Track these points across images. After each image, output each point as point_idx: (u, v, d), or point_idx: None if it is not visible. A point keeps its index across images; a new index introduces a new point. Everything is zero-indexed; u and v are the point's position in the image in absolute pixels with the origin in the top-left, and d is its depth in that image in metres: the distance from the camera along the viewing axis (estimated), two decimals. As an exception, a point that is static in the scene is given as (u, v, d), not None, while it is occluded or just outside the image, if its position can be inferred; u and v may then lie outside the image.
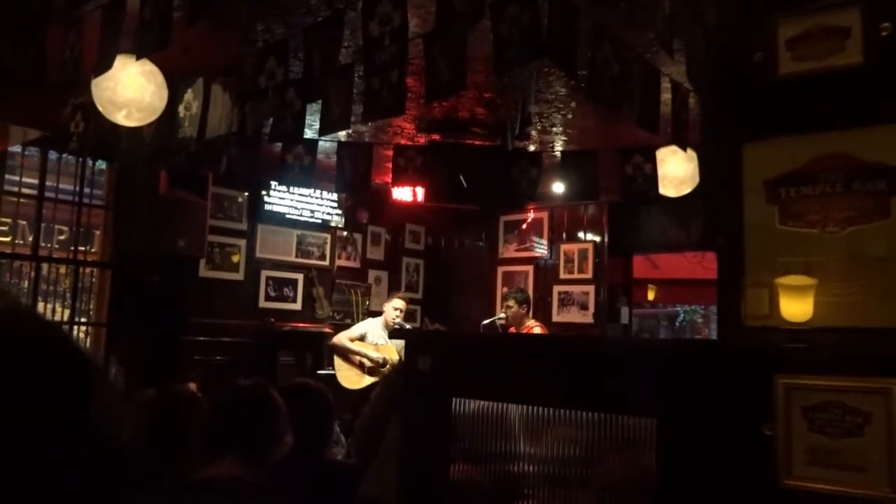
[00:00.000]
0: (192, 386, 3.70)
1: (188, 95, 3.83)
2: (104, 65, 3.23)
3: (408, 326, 6.21)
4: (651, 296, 10.45)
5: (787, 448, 1.24)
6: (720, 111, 1.44)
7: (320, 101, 3.58)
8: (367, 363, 6.06)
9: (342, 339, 6.17)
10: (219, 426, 2.16)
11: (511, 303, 6.15)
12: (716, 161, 1.46)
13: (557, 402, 1.78)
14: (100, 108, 3.62)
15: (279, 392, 2.75)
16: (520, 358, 1.82)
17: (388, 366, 5.92)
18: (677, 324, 14.99)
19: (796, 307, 1.28)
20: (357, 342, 6.16)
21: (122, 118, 3.62)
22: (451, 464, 1.97)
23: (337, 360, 6.17)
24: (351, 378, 6.08)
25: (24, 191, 5.57)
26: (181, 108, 3.84)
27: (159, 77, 3.64)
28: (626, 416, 1.65)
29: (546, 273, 7.64)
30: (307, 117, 3.81)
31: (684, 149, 4.10)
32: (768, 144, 1.32)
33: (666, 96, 3.67)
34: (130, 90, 3.55)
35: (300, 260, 7.10)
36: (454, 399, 1.94)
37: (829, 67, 1.26)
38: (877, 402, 1.16)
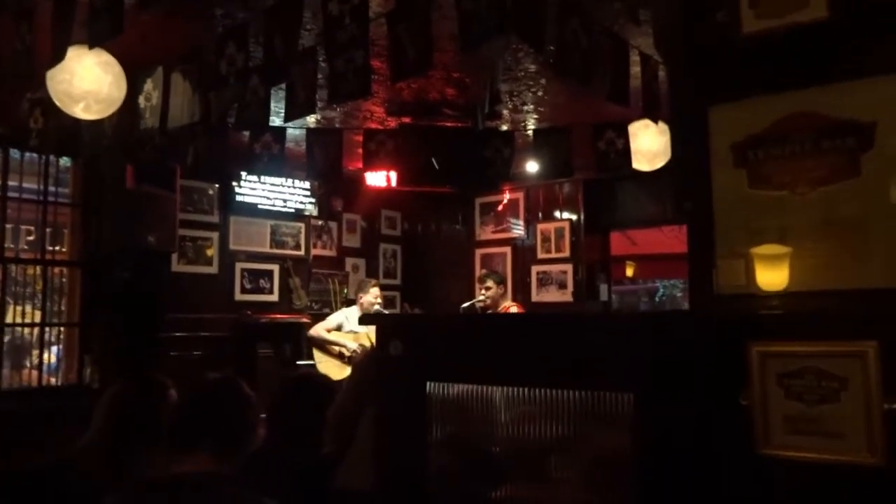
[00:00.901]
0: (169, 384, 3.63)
1: (148, 85, 3.73)
2: (57, 56, 3.13)
3: (386, 312, 6.16)
4: (630, 272, 10.48)
5: (764, 417, 1.21)
6: (684, 74, 1.40)
7: (285, 87, 3.50)
8: (346, 353, 6.02)
9: (319, 330, 6.12)
10: (188, 420, 2.11)
11: (490, 283, 6.13)
12: (682, 126, 1.42)
13: (533, 381, 1.75)
14: (56, 102, 3.51)
15: (282, 384, 2.72)
16: (492, 338, 1.78)
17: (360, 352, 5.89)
18: (657, 299, 15.08)
19: (772, 276, 1.25)
20: (334, 332, 6.11)
21: (80, 111, 3.52)
22: (427, 449, 1.93)
23: (316, 353, 6.12)
24: (331, 369, 6.03)
25: (-13, 192, 5.43)
26: (141, 99, 3.74)
27: (117, 67, 3.54)
28: (605, 392, 1.62)
29: (524, 253, 7.62)
30: (273, 104, 3.73)
31: (656, 122, 4.07)
32: (734, 106, 1.28)
33: (636, 69, 3.64)
34: (87, 82, 3.44)
35: (275, 251, 7.02)
36: (428, 383, 1.90)
37: (794, 23, 1.22)
38: (853, 366, 1.13)
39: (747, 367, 1.22)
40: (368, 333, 5.94)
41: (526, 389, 1.76)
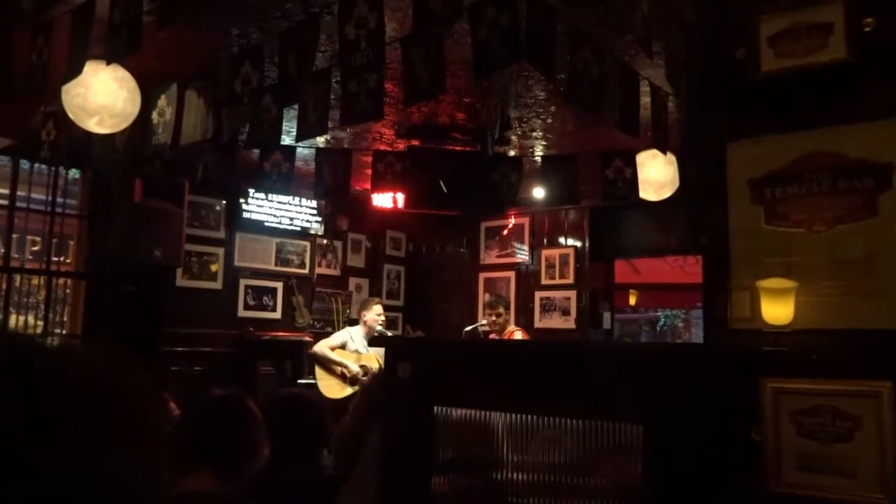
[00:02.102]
0: (168, 397, 3.62)
1: (162, 101, 3.76)
2: (74, 70, 3.16)
3: (388, 333, 6.15)
4: (632, 300, 10.47)
5: (776, 453, 1.21)
6: (702, 110, 1.41)
7: (297, 107, 3.53)
8: (348, 374, 5.99)
9: (323, 348, 6.08)
10: (191, 438, 2.09)
11: (501, 310, 6.10)
12: (699, 161, 1.43)
13: (541, 409, 1.74)
14: (70, 115, 3.54)
15: (268, 403, 2.70)
16: (502, 364, 1.78)
17: (368, 376, 5.86)
18: (658, 328, 15.03)
19: (777, 310, 1.25)
20: (338, 350, 6.08)
21: (94, 125, 3.54)
22: (432, 473, 1.92)
23: (318, 370, 6.09)
24: (332, 388, 6.00)
25: (-4, 201, 5.46)
26: (155, 115, 3.77)
27: (132, 83, 3.57)
28: (612, 422, 1.61)
29: (528, 279, 7.62)
30: (285, 123, 3.75)
31: (664, 152, 4.09)
32: (752, 143, 1.29)
33: (645, 100, 3.66)
34: (102, 96, 3.47)
35: (279, 268, 7.02)
36: (435, 407, 1.90)
37: (813, 64, 1.23)
38: (867, 405, 1.13)
39: (760, 402, 1.22)
40: (374, 355, 5.92)
41: (534, 417, 1.76)
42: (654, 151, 4.41)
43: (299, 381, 6.41)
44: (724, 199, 1.31)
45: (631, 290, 10.22)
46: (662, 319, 14.98)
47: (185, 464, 2.02)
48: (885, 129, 1.18)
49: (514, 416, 1.79)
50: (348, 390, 5.93)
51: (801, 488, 1.19)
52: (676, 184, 4.59)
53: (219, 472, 2.02)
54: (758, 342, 1.30)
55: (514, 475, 1.83)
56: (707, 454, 1.36)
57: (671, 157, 4.37)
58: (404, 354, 1.92)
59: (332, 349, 6.07)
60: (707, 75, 1.40)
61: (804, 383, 1.19)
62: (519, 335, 6.06)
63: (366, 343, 6.07)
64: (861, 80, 1.23)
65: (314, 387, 6.12)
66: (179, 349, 6.09)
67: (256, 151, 4.69)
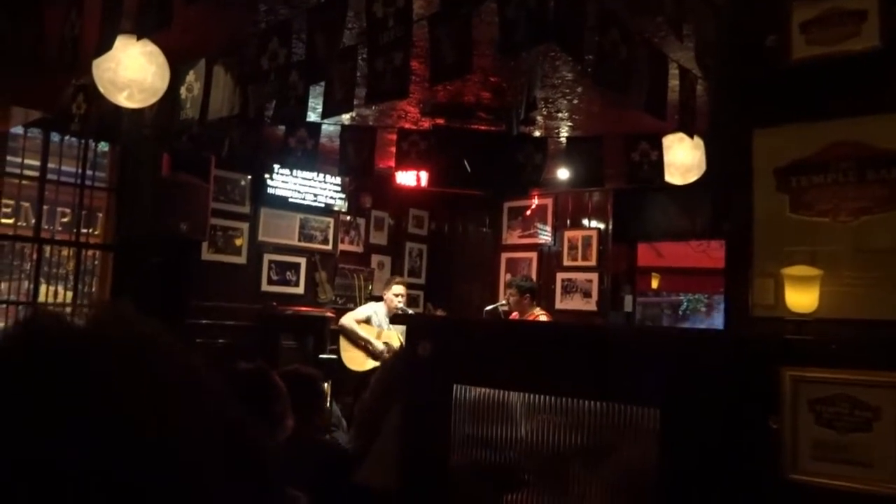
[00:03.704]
0: None
1: (190, 77, 3.79)
2: (105, 45, 3.19)
3: (410, 311, 6.20)
4: (654, 284, 10.41)
5: (794, 441, 1.22)
6: (730, 96, 1.40)
7: (323, 84, 3.54)
8: (370, 348, 6.07)
9: (350, 321, 6.19)
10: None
11: (513, 291, 6.12)
12: (725, 147, 1.42)
13: (559, 390, 1.76)
14: (101, 90, 3.58)
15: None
16: (522, 345, 1.80)
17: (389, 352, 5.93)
18: (680, 312, 14.95)
19: (801, 298, 1.25)
20: (362, 325, 6.17)
21: (124, 99, 3.58)
22: (450, 450, 1.95)
23: (343, 342, 6.19)
24: (356, 360, 6.10)
25: (27, 173, 5.54)
26: (183, 90, 3.80)
27: (161, 58, 3.60)
28: (630, 405, 1.63)
29: (549, 260, 7.61)
30: (311, 100, 3.77)
31: (691, 136, 4.04)
32: (779, 131, 1.28)
33: (674, 82, 3.62)
34: (132, 71, 3.51)
35: (303, 244, 7.08)
36: (455, 385, 1.92)
37: (845, 52, 1.22)
38: (887, 396, 1.13)
39: (779, 390, 1.23)
40: (396, 333, 5.99)
41: (552, 398, 1.78)
42: (681, 135, 4.36)
43: (321, 356, 6.49)
44: (749, 187, 1.30)
45: (653, 274, 10.16)
46: (685, 303, 14.90)
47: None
48: (915, 119, 1.17)
49: (532, 395, 1.81)
50: (370, 363, 6.02)
51: (817, 476, 1.20)
52: (703, 168, 4.55)
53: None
54: (779, 330, 1.30)
55: (531, 454, 1.85)
56: (724, 440, 1.37)
57: (698, 141, 4.33)
58: (425, 333, 1.94)
59: (359, 322, 6.16)
60: (736, 62, 1.39)
61: (824, 372, 1.19)
62: (543, 319, 6.07)
63: (388, 320, 6.15)
64: (893, 70, 1.21)
65: (336, 361, 6.21)
66: (203, 322, 6.18)
67: (282, 127, 4.72)
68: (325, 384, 2.65)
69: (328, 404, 4.84)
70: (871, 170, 1.20)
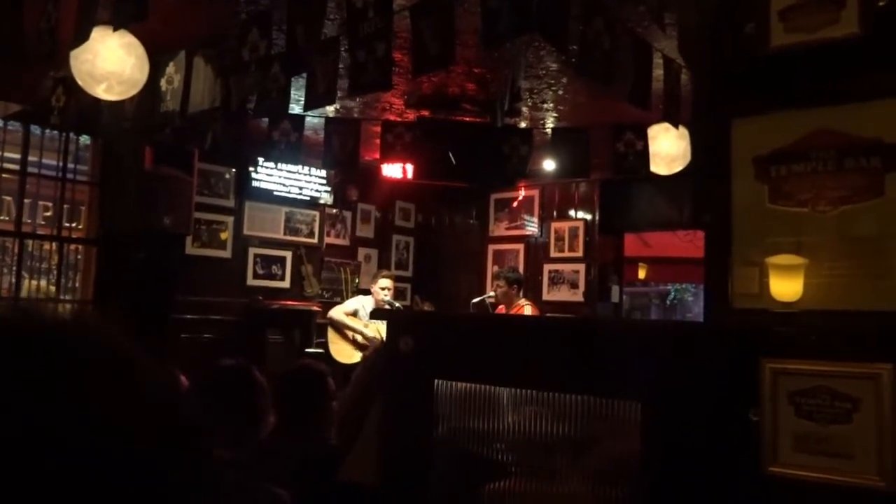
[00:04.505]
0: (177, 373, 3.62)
1: (170, 69, 3.74)
2: (81, 36, 3.14)
3: (398, 305, 6.18)
4: (642, 274, 10.44)
5: (774, 434, 1.21)
6: (709, 84, 1.39)
7: (305, 76, 3.50)
8: (361, 339, 6.05)
9: (339, 313, 6.17)
10: (202, 405, 2.12)
11: (501, 282, 6.11)
12: (704, 136, 1.41)
13: (541, 384, 1.75)
14: (79, 82, 3.53)
15: (282, 375, 2.73)
16: (503, 339, 1.78)
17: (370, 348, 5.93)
18: (668, 302, 15.03)
19: (786, 286, 1.24)
20: (350, 317, 6.15)
21: (102, 92, 3.53)
22: (432, 446, 1.94)
23: (331, 334, 6.17)
24: (344, 352, 6.08)
25: (7, 166, 5.47)
26: (163, 82, 3.75)
27: (140, 49, 3.55)
28: (611, 398, 1.62)
29: (536, 251, 7.60)
30: (293, 92, 3.73)
31: (676, 126, 4.04)
32: (758, 120, 1.27)
33: (658, 72, 3.61)
34: (110, 63, 3.46)
35: (288, 237, 7.04)
36: (436, 381, 1.91)
37: (824, 39, 1.20)
38: (866, 387, 1.12)
39: (759, 383, 1.22)
40: (382, 324, 5.97)
41: (533, 391, 1.76)
42: (667, 125, 4.36)
43: (307, 349, 6.46)
44: (728, 177, 1.29)
45: (640, 264, 10.18)
46: (672, 293, 14.97)
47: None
48: (894, 107, 1.16)
49: (514, 389, 1.80)
50: (358, 355, 6.01)
51: (797, 469, 1.19)
52: (688, 158, 4.54)
53: (226, 440, 2.04)
54: (759, 322, 1.29)
55: (514, 448, 1.84)
56: (705, 433, 1.36)
57: (683, 131, 4.32)
58: (406, 328, 1.92)
59: (347, 315, 6.15)
60: (715, 50, 1.37)
61: (803, 364, 1.18)
62: (528, 310, 6.06)
63: (375, 313, 6.14)
64: (873, 57, 1.20)
65: (322, 355, 6.19)
66: (189, 317, 6.14)
67: (265, 120, 4.67)
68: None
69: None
70: (851, 158, 1.19)
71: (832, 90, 1.21)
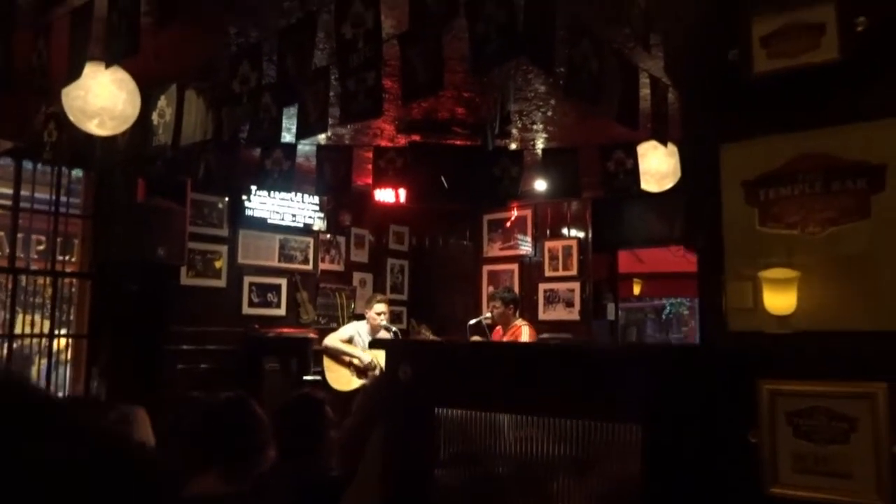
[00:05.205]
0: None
1: (161, 102, 3.76)
2: (74, 73, 3.17)
3: (394, 329, 6.18)
4: (637, 290, 10.47)
5: (773, 455, 1.22)
6: (696, 110, 1.41)
7: (297, 106, 3.53)
8: (357, 363, 6.04)
9: (334, 340, 6.15)
10: (199, 441, 2.12)
11: (497, 303, 6.13)
12: (694, 161, 1.43)
13: (541, 409, 1.75)
14: (71, 118, 3.55)
15: (280, 406, 2.72)
16: (502, 366, 1.79)
17: (376, 369, 5.90)
18: (664, 316, 15.04)
19: (779, 300, 1.26)
20: (346, 344, 6.14)
21: (95, 127, 3.55)
22: (434, 474, 1.93)
23: (327, 362, 6.15)
24: (341, 380, 6.06)
25: (0, 202, 5.48)
26: (155, 116, 3.78)
27: (131, 84, 3.58)
28: (611, 422, 1.62)
29: (531, 270, 7.62)
30: (285, 121, 3.75)
31: (664, 144, 4.08)
32: (746, 144, 1.29)
33: (645, 91, 3.65)
34: (102, 98, 3.48)
35: (283, 265, 7.04)
36: (436, 409, 1.91)
37: (805, 64, 1.23)
38: (863, 407, 1.13)
39: (756, 404, 1.23)
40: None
41: (534, 417, 1.77)
42: (655, 143, 4.40)
43: (305, 377, 6.44)
44: (719, 201, 1.31)
45: (635, 279, 10.23)
46: (668, 307, 14.99)
47: (192, 467, 2.04)
48: (878, 129, 1.18)
49: (514, 416, 1.80)
50: (356, 382, 5.99)
51: (797, 489, 1.19)
52: (678, 174, 4.58)
53: (225, 475, 2.04)
54: (755, 343, 1.30)
55: (515, 474, 1.84)
56: (705, 455, 1.36)
57: (672, 149, 4.36)
58: (404, 356, 1.93)
59: (342, 342, 6.13)
60: (700, 75, 1.40)
61: (799, 385, 1.19)
62: (525, 330, 6.07)
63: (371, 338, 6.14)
64: (854, 81, 1.22)
65: (320, 382, 6.17)
66: (185, 347, 6.12)
67: (258, 149, 4.70)
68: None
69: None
70: (837, 180, 1.21)
71: (816, 114, 1.23)
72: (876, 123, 1.17)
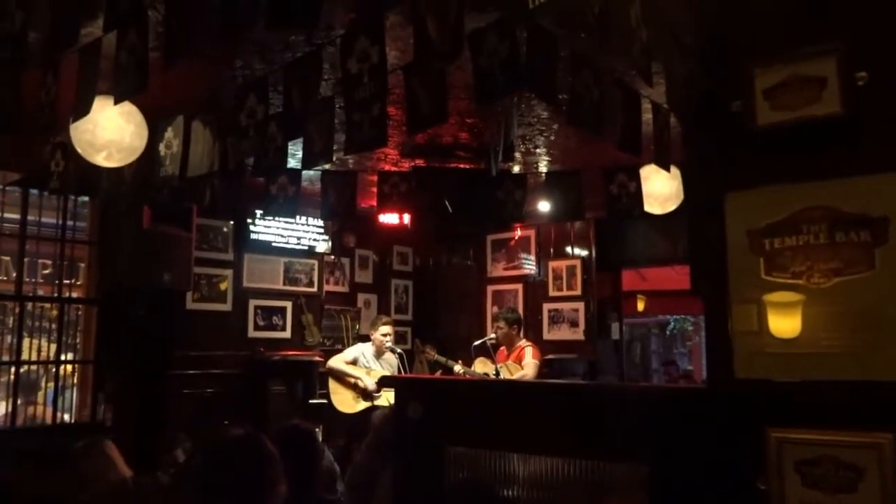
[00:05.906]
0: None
1: (168, 134, 3.80)
2: (82, 109, 3.19)
3: (399, 350, 6.19)
4: (640, 306, 10.46)
5: (781, 503, 1.23)
6: (701, 159, 1.44)
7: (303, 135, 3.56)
8: (362, 385, 6.03)
9: (338, 362, 6.16)
10: (209, 479, 2.12)
11: (501, 324, 6.14)
12: (699, 210, 1.45)
13: (549, 449, 1.77)
14: (79, 151, 3.58)
15: (272, 437, 2.72)
16: (511, 407, 1.80)
17: (380, 394, 5.91)
18: (668, 332, 15.01)
19: (784, 324, 1.27)
20: (350, 365, 6.15)
21: (102, 160, 3.59)
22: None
23: (332, 384, 6.15)
24: (346, 402, 6.06)
25: (6, 226, 5.51)
26: (161, 147, 3.81)
27: (138, 117, 3.61)
28: (620, 463, 1.64)
29: (535, 290, 7.63)
30: (290, 146, 3.78)
31: (667, 169, 4.10)
32: (750, 194, 1.31)
33: (647, 116, 3.68)
34: (109, 131, 3.52)
35: (288, 287, 7.06)
36: (446, 447, 1.92)
37: (808, 117, 1.25)
38: (870, 456, 1.15)
39: (765, 452, 1.24)
40: (383, 371, 5.97)
41: (545, 458, 1.78)
42: (658, 166, 4.42)
43: (311, 400, 6.44)
44: (724, 250, 1.33)
45: (639, 296, 10.22)
46: (672, 323, 14.96)
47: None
48: (880, 182, 1.20)
49: (524, 455, 1.82)
50: (361, 405, 5.99)
51: (807, 537, 1.21)
52: (681, 196, 4.60)
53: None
54: (762, 391, 1.32)
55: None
56: (712, 499, 1.38)
57: (675, 171, 4.38)
58: (413, 395, 1.95)
59: (347, 363, 6.14)
60: (705, 125, 1.42)
61: (807, 433, 1.21)
62: (530, 350, 6.07)
63: (376, 360, 6.14)
64: (856, 134, 1.25)
65: (325, 406, 6.17)
66: (191, 372, 6.13)
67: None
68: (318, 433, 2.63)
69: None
70: (841, 232, 1.23)
71: (820, 167, 1.26)
72: (878, 177, 1.20)
